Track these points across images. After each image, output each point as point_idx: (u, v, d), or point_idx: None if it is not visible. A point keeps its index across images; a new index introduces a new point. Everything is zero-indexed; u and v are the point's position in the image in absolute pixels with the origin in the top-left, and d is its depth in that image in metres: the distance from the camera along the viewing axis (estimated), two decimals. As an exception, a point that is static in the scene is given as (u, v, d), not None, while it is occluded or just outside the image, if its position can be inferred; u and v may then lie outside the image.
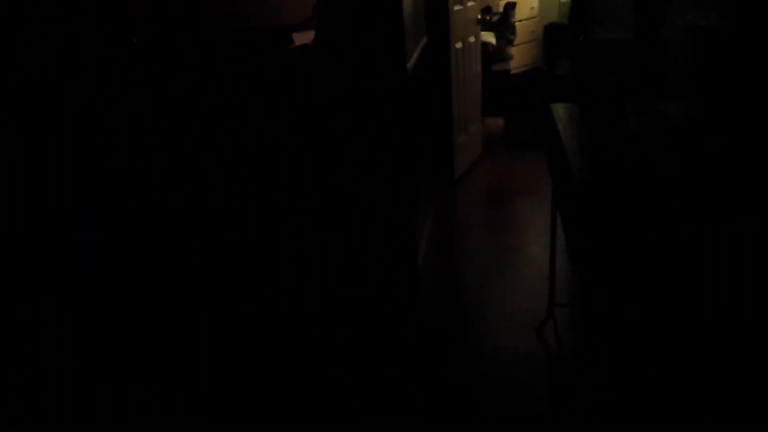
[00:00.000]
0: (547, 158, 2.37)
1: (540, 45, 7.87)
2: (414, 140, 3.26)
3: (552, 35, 7.77)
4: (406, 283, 3.15)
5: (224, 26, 3.98)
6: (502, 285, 3.16)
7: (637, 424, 1.35)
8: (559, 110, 2.23)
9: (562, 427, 2.20)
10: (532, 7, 7.51)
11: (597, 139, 1.85)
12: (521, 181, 4.55)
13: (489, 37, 5.16)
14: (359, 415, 2.32)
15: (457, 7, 4.26)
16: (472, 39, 4.62)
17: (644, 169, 1.60)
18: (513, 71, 5.32)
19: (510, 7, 5.65)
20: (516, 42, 6.37)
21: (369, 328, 2.89)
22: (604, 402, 1.49)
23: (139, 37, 3.04)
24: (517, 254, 3.46)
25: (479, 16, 4.71)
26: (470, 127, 4.73)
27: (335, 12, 3.11)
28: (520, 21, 6.61)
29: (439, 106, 4.30)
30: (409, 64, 3.09)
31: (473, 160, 4.85)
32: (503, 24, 5.50)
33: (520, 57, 6.80)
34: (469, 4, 4.51)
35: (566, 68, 7.56)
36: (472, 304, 3.03)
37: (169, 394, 2.43)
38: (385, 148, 3.05)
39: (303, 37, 3.66)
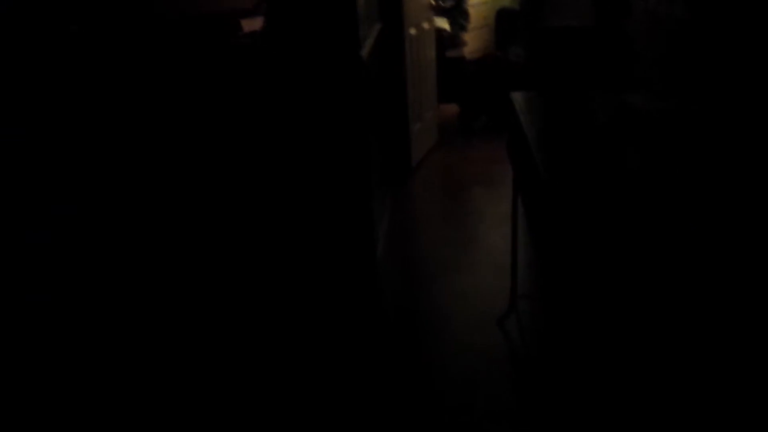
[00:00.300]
0: (508, 148, 2.32)
1: (492, 31, 7.86)
2: (368, 129, 3.17)
3: (504, 21, 7.75)
4: (364, 277, 3.07)
5: (172, 12, 3.81)
6: (463, 278, 3.11)
7: (601, 420, 1.30)
8: (519, 99, 2.17)
9: (526, 424, 2.16)
10: (485, -8, 7.48)
11: (562, 130, 1.79)
12: (478, 169, 4.51)
13: (443, 23, 5.09)
14: (319, 413, 2.24)
15: (410, -8, 4.16)
16: (426, 25, 4.54)
17: (612, 161, 1.55)
18: (467, 57, 5.26)
19: (463, -7, 5.58)
20: (469, 27, 6.32)
21: (326, 325, 2.80)
22: (567, 397, 1.45)
23: (79, 24, 2.83)
24: (477, 245, 3.42)
25: (433, 2, 4.62)
26: (425, 115, 4.66)
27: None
28: (472, 6, 6.55)
29: (394, 94, 4.21)
30: (363, 52, 2.99)
31: (429, 148, 4.79)
32: (457, 10, 5.44)
33: (473, 43, 6.75)
34: (423, -11, 4.42)
35: (519, 55, 7.56)
36: (432, 298, 2.97)
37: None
38: (339, 138, 2.95)
39: (252, 24, 3.52)
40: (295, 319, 2.84)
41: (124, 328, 2.74)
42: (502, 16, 7.76)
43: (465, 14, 5.51)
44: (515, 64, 5.11)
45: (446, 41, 5.05)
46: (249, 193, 3.05)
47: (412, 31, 4.26)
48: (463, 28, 5.50)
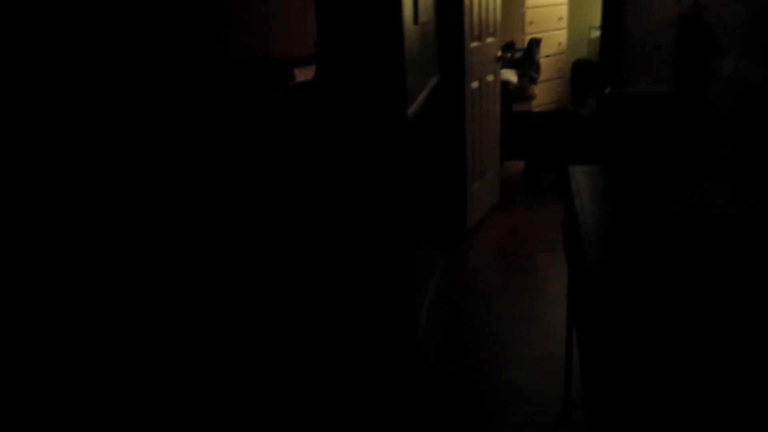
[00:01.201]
0: (563, 237, 1.97)
1: (567, 82, 7.49)
2: (414, 190, 2.88)
3: (580, 72, 7.38)
4: (401, 354, 2.75)
5: (225, 54, 3.71)
6: (514, 369, 2.72)
7: None
8: (579, 177, 1.83)
9: None
10: (560, 43, 7.15)
11: (624, 225, 1.45)
12: (541, 233, 4.12)
13: (510, 75, 4.79)
14: None
15: (473, 44, 3.90)
16: (490, 78, 4.25)
17: (682, 276, 1.20)
18: (537, 110, 4.92)
19: (535, 44, 5.28)
20: (541, 79, 5.99)
21: (357, 405, 2.48)
22: None
23: (91, 59, 2.54)
24: (534, 329, 3.02)
25: (499, 53, 4.34)
26: (486, 173, 4.34)
27: (336, 50, 2.76)
28: (546, 57, 6.23)
29: (452, 151, 3.92)
30: (412, 108, 2.72)
31: (489, 208, 4.45)
32: (526, 61, 5.13)
33: (545, 94, 6.41)
34: (488, 40, 4.15)
35: (592, 107, 7.16)
36: (477, 390, 2.60)
37: None
38: (379, 197, 2.68)
39: (306, 73, 3.33)
40: (327, 395, 2.53)
41: (120, 335, 2.49)
42: (578, 67, 7.40)
43: (535, 66, 5.19)
44: (589, 118, 4.73)
45: (513, 94, 4.74)
46: (283, 254, 2.82)
47: (474, 84, 3.97)
48: (533, 81, 5.17)
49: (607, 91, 1.84)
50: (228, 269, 2.82)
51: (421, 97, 2.97)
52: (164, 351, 2.66)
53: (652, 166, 1.64)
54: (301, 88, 3.19)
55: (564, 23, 7.19)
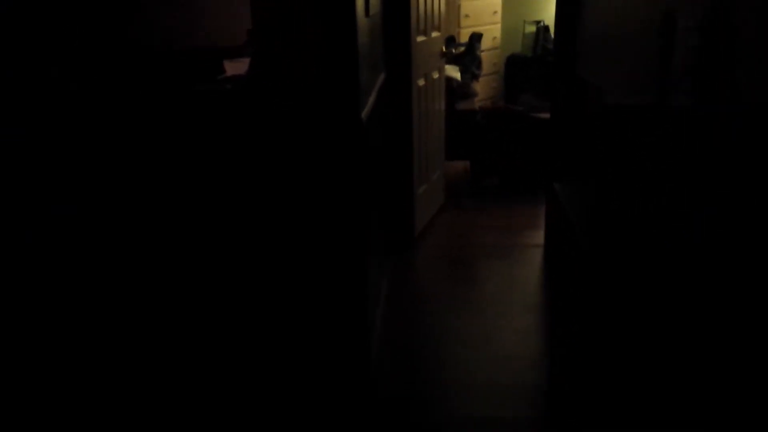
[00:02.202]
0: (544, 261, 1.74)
1: (501, 78, 7.39)
2: (366, 197, 2.61)
3: (514, 68, 7.30)
4: (355, 370, 2.48)
5: (160, 44, 3.31)
6: (468, 397, 2.50)
7: None
8: (570, 199, 1.60)
9: None
10: (495, 37, 7.03)
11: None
12: (491, 239, 3.93)
13: (453, 72, 4.58)
14: None
15: (420, 38, 3.65)
16: (435, 74, 4.02)
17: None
18: (480, 108, 4.74)
19: (476, 38, 5.09)
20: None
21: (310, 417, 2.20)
22: None
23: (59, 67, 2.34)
24: (493, 343, 2.82)
25: (444, 49, 4.11)
26: (432, 175, 4.11)
27: (273, 41, 2.43)
28: (482, 52, 6.08)
29: (397, 152, 3.67)
30: (365, 111, 2.44)
31: (435, 211, 4.23)
32: (468, 56, 4.93)
33: (481, 90, 6.26)
34: (434, 34, 3.91)
35: (527, 103, 7.09)
36: (431, 420, 2.37)
37: None
38: (331, 208, 2.39)
39: (237, 67, 2.98)
40: (277, 409, 2.24)
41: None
42: (512, 63, 7.31)
43: (478, 61, 5.00)
44: (527, 114, 4.58)
45: (456, 92, 4.53)
46: (224, 267, 2.49)
47: (421, 82, 3.73)
48: (475, 77, 4.99)
49: (603, 102, 1.62)
50: (146, 286, 2.47)
51: (371, 98, 2.69)
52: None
53: (657, 186, 1.44)
54: (231, 83, 2.85)
55: (498, 17, 7.07)
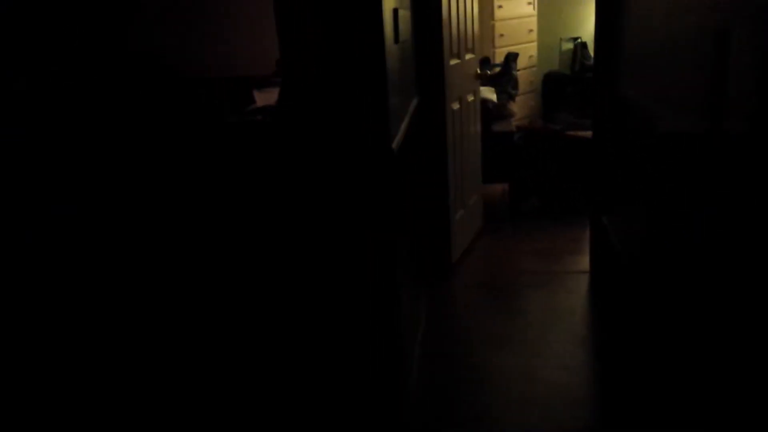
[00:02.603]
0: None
1: (539, 96, 7.25)
2: (400, 231, 2.52)
3: (551, 85, 7.15)
4: (389, 416, 2.37)
5: (182, 70, 3.31)
6: None
7: None
8: (618, 232, 1.48)
9: None
10: (531, 56, 6.91)
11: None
12: (530, 265, 3.79)
13: (488, 93, 4.48)
14: None
15: (453, 61, 3.57)
16: (470, 97, 3.92)
17: None
18: (518, 129, 4.61)
19: (512, 58, 4.99)
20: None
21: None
22: None
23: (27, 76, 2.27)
24: (537, 383, 2.66)
25: (478, 71, 4.02)
26: (469, 200, 4.00)
27: (301, 71, 2.38)
28: (518, 71, 5.95)
29: (434, 178, 3.57)
30: (396, 140, 2.36)
31: (472, 237, 4.11)
32: (504, 77, 4.83)
33: (518, 109, 6.14)
34: (467, 57, 3.83)
35: (566, 121, 6.92)
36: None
37: None
38: (361, 241, 2.31)
39: (266, 97, 2.94)
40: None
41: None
42: (549, 80, 7.17)
43: (513, 81, 4.89)
44: (565, 133, 4.43)
45: (492, 113, 4.42)
46: (252, 307, 2.42)
47: (455, 105, 3.64)
48: (512, 98, 4.87)
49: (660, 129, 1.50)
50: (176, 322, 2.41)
51: (403, 126, 2.61)
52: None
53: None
54: (261, 114, 2.80)
55: (534, 35, 6.95)
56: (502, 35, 6.56)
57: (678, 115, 2.02)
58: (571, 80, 6.96)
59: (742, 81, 1.64)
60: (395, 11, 2.40)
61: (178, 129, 2.51)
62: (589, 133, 5.93)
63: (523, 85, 6.33)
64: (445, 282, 3.62)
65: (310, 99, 2.32)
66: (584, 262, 3.71)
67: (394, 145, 2.30)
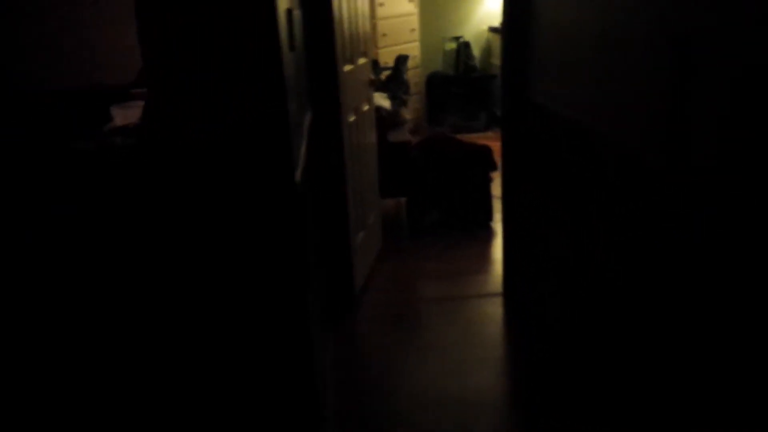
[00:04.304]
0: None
1: (423, 98, 7.03)
2: (305, 270, 2.09)
3: (436, 87, 6.95)
4: None
5: (33, 83, 2.68)
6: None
7: None
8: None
9: None
10: (414, 56, 6.66)
11: None
12: (435, 289, 3.49)
13: (381, 100, 4.12)
14: None
15: (347, 68, 3.16)
16: (365, 107, 3.54)
17: None
18: (414, 139, 4.29)
19: (402, 61, 4.67)
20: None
21: None
22: None
23: None
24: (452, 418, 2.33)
25: (372, 76, 3.64)
26: (369, 218, 3.62)
27: (174, 81, 1.87)
28: (407, 70, 5.65)
29: (332, 199, 3.15)
30: (299, 170, 1.92)
31: (373, 259, 3.73)
32: (395, 81, 4.49)
33: (407, 109, 5.85)
34: (360, 61, 3.43)
35: (452, 124, 6.74)
36: None
37: None
38: (263, 289, 1.86)
39: (126, 114, 2.39)
40: None
41: None
42: (433, 81, 6.96)
43: (405, 86, 4.57)
44: (463, 141, 4.18)
45: (386, 121, 4.07)
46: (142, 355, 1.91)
47: (351, 117, 3.24)
48: (404, 103, 4.54)
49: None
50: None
51: (303, 149, 2.17)
52: None
53: None
54: (120, 135, 2.25)
55: (416, 35, 6.71)
56: (384, 34, 6.25)
57: (621, 138, 1.75)
58: (455, 81, 6.79)
59: (711, 103, 1.37)
60: (289, 12, 1.96)
61: (4, 162, 1.93)
62: (479, 137, 5.75)
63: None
64: (349, 314, 3.22)
65: (182, 117, 1.82)
66: (494, 282, 3.46)
67: (297, 175, 1.86)
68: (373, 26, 6.05)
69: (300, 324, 1.90)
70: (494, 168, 4.02)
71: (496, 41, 6.38)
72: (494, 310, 3.22)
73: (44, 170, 1.95)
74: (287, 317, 1.89)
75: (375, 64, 4.77)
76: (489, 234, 4.11)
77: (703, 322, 1.47)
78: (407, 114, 4.73)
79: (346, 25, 3.15)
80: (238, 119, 1.75)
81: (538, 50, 2.70)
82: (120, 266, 1.88)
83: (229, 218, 1.79)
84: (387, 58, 5.92)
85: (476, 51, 6.88)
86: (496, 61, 6.40)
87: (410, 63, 6.43)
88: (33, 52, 2.73)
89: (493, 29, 6.58)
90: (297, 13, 2.24)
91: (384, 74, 4.68)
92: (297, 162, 1.90)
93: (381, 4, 6.16)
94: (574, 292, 2.37)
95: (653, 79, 1.65)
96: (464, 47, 6.59)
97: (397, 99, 4.41)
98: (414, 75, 6.65)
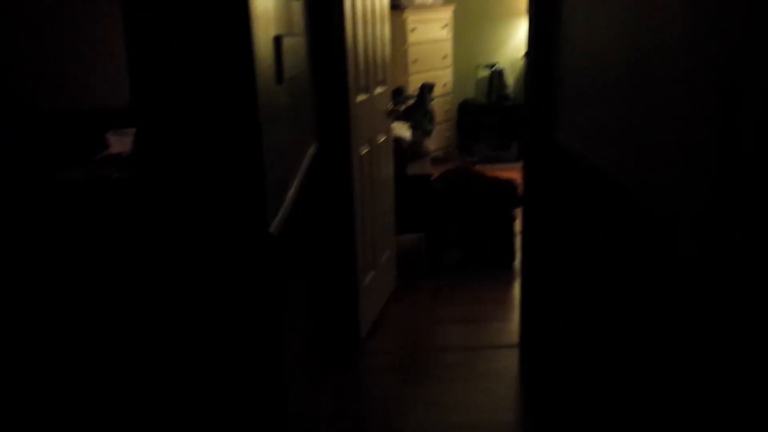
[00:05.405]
0: None
1: (454, 126, 6.81)
2: (280, 325, 1.88)
3: (467, 115, 6.72)
4: None
5: (39, 102, 2.55)
6: None
7: None
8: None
9: None
10: (446, 83, 6.47)
11: None
12: (452, 339, 3.24)
13: (401, 130, 3.91)
14: None
15: (360, 97, 2.96)
16: (381, 138, 3.33)
17: None
18: (436, 172, 4.06)
19: (427, 90, 4.46)
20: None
21: None
22: None
23: None
24: None
25: (390, 106, 3.44)
26: (381, 257, 3.40)
27: (162, 111, 1.69)
28: (432, 99, 5.44)
29: (339, 238, 2.95)
30: (279, 216, 1.72)
31: (385, 301, 3.50)
32: (419, 111, 4.28)
33: (433, 140, 5.63)
34: (377, 91, 3.24)
35: (483, 153, 6.50)
36: None
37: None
38: (236, 343, 1.65)
39: (122, 141, 2.23)
40: None
41: None
42: (465, 110, 6.74)
43: (430, 116, 4.35)
44: (489, 177, 3.93)
45: (406, 153, 3.86)
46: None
47: (363, 150, 3.04)
48: (428, 134, 4.33)
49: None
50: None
51: (291, 192, 1.97)
52: None
53: None
54: (115, 163, 2.10)
55: (449, 61, 6.51)
56: (415, 61, 6.07)
57: (648, 185, 1.49)
58: (487, 110, 6.56)
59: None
60: (277, 40, 1.77)
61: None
62: (509, 168, 5.50)
63: (437, 115, 5.84)
64: (352, 362, 2.99)
65: (170, 151, 1.64)
66: (512, 331, 3.19)
67: (275, 225, 1.65)
68: (404, 52, 5.87)
69: (269, 383, 1.69)
70: (519, 204, 3.77)
71: (532, 70, 6.14)
72: (509, 364, 2.95)
73: (22, 202, 1.80)
74: (255, 375, 1.68)
75: (400, 92, 4.58)
76: (511, 275, 3.85)
77: (730, 392, 1.21)
78: (431, 145, 4.51)
79: (361, 52, 2.97)
80: (210, 164, 1.56)
81: (566, 85, 2.46)
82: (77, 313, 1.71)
83: (189, 272, 1.60)
84: (417, 84, 5.72)
85: (510, 79, 6.64)
86: (531, 90, 6.15)
87: (441, 90, 6.23)
88: (25, 69, 2.59)
89: (528, 57, 6.34)
90: (294, 41, 2.05)
91: (408, 103, 4.47)
92: (274, 212, 1.69)
93: (413, 30, 5.99)
94: (591, 355, 2.10)
95: (694, 126, 1.40)
96: (498, 75, 6.36)
97: (419, 129, 4.19)
98: (445, 102, 6.44)
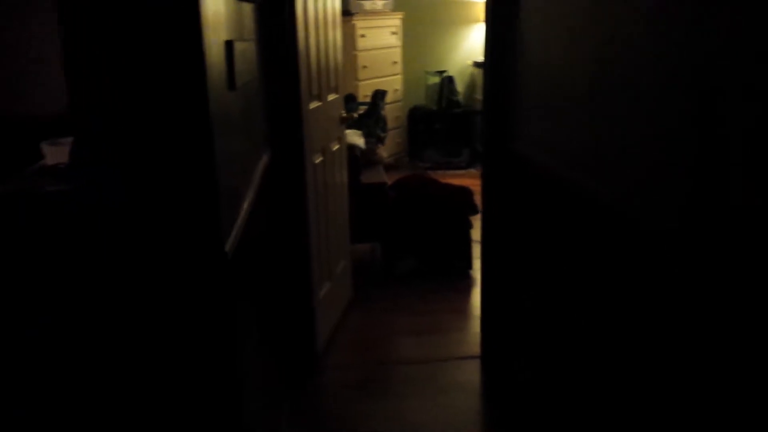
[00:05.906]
0: None
1: (405, 132, 6.77)
2: (235, 349, 1.77)
3: (418, 121, 6.69)
4: None
5: None
6: None
7: None
8: None
9: None
10: (396, 89, 6.42)
11: None
12: (411, 351, 3.16)
13: (355, 138, 3.82)
14: None
15: (313, 105, 2.86)
16: (335, 146, 3.24)
17: None
18: (390, 181, 3.99)
19: (379, 96, 4.39)
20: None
21: None
22: None
23: None
24: None
25: (344, 113, 3.35)
26: (336, 268, 3.30)
27: (98, 119, 1.55)
28: (384, 107, 5.37)
29: (292, 251, 2.83)
30: (232, 237, 1.60)
31: (341, 312, 3.40)
32: (372, 117, 4.20)
33: (385, 146, 5.57)
34: (330, 97, 3.14)
35: (433, 160, 6.47)
36: None
37: None
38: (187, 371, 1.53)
39: (58, 152, 2.06)
40: None
41: None
42: (415, 116, 6.71)
43: (383, 123, 4.28)
44: (444, 184, 3.89)
45: (360, 161, 3.77)
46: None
47: (317, 158, 2.93)
48: (381, 141, 4.25)
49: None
50: None
51: (246, 204, 1.85)
52: None
53: None
54: (49, 176, 1.94)
55: (399, 68, 6.47)
56: (365, 67, 6.00)
57: (612, 197, 1.45)
58: (438, 116, 6.54)
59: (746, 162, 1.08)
60: (229, 44, 1.66)
61: None
62: (460, 175, 5.48)
63: (389, 120, 5.78)
64: (309, 381, 2.87)
65: (112, 161, 1.50)
66: (472, 342, 3.13)
67: (229, 244, 1.54)
68: (353, 58, 5.80)
69: (224, 409, 1.57)
70: (475, 211, 3.73)
71: (481, 76, 6.16)
72: (471, 377, 2.89)
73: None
74: (209, 404, 1.56)
75: (352, 99, 4.50)
76: (468, 283, 3.81)
77: (698, 399, 1.17)
78: (384, 152, 4.44)
79: (314, 58, 2.87)
80: (156, 176, 1.44)
81: (523, 94, 2.42)
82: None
83: (132, 295, 1.47)
84: (367, 91, 5.65)
85: (460, 86, 6.65)
86: (480, 96, 6.16)
87: (392, 96, 6.18)
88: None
89: (477, 64, 6.36)
90: (245, 46, 1.94)
91: (360, 110, 4.39)
92: (229, 228, 1.58)
93: (362, 36, 5.92)
94: (554, 364, 2.06)
95: (662, 133, 1.36)
96: (447, 82, 6.35)
97: (373, 136, 4.12)
98: (395, 108, 6.39)
